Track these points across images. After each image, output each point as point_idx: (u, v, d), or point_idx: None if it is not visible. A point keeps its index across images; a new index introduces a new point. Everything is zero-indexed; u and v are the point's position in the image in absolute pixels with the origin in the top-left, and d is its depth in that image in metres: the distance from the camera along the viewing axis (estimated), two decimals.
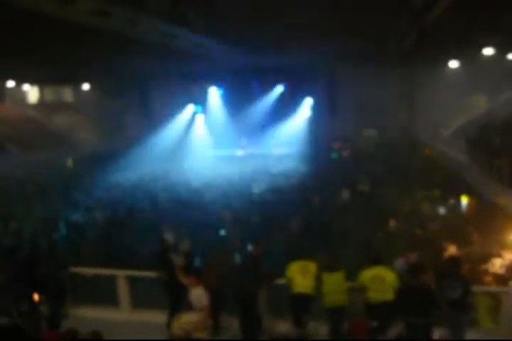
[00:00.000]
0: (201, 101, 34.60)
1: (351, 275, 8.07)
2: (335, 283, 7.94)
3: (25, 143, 29.24)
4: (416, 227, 12.66)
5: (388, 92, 28.47)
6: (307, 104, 32.65)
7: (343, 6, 15.06)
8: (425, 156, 24.86)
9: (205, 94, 34.66)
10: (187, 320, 7.29)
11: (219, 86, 34.07)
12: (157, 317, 8.92)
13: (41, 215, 16.43)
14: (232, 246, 12.05)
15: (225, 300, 8.50)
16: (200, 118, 34.69)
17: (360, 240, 12.36)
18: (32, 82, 33.88)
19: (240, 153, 31.99)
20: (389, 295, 7.60)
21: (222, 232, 13.83)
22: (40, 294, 9.24)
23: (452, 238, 10.59)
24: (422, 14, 15.43)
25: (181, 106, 34.27)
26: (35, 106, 35.61)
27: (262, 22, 16.75)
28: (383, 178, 19.67)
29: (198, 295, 7.41)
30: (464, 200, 14.83)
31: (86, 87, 35.37)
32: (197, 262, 10.05)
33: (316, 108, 32.24)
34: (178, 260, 9.03)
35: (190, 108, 34.62)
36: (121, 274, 9.70)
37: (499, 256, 9.89)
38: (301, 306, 8.11)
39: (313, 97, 32.28)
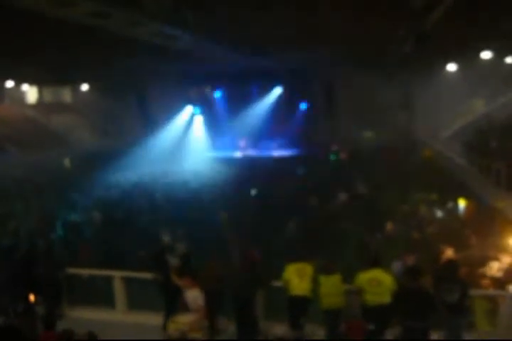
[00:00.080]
0: (200, 102, 34.63)
1: (348, 277, 8.07)
2: (332, 286, 7.93)
3: (24, 143, 29.21)
4: (413, 230, 12.67)
5: (387, 95, 28.47)
6: (304, 106, 32.69)
7: (342, 9, 15.09)
8: (423, 159, 24.87)
9: (203, 95, 34.67)
10: (183, 320, 7.29)
11: (217, 87, 34.08)
12: (153, 318, 8.90)
13: (39, 215, 16.40)
14: (230, 248, 12.04)
15: (222, 301, 8.49)
16: (198, 119, 34.71)
17: (357, 242, 12.36)
18: (31, 83, 33.91)
19: (238, 154, 31.99)
20: (386, 298, 7.60)
21: (221, 233, 13.81)
22: (36, 294, 9.22)
23: (450, 241, 10.57)
24: (422, 17, 15.46)
25: (180, 107, 34.25)
26: (34, 107, 35.58)
27: (261, 24, 16.77)
28: (381, 181, 19.67)
29: (193, 296, 7.41)
30: (462, 203, 14.82)
31: (85, 87, 35.32)
32: (194, 263, 10.04)
33: (314, 110, 32.26)
34: (173, 262, 9.03)
35: (188, 109, 34.63)
36: (117, 275, 9.69)
37: (497, 259, 9.87)
38: (298, 308, 8.10)
39: (312, 99, 32.28)
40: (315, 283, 8.02)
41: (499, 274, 9.39)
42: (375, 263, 7.98)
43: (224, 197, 18.09)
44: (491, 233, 11.73)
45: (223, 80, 31.71)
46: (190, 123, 34.50)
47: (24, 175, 23.56)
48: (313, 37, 18.52)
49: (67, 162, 29.53)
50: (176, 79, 31.32)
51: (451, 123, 27.62)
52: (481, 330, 8.23)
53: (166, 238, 12.25)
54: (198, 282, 7.65)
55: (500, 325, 8.04)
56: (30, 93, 36.03)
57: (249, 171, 23.74)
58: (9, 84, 31.45)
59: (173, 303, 8.54)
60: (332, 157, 28.80)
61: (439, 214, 14.68)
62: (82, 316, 9.34)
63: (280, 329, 8.28)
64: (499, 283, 9.09)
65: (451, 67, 27.18)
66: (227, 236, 13.41)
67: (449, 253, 9.73)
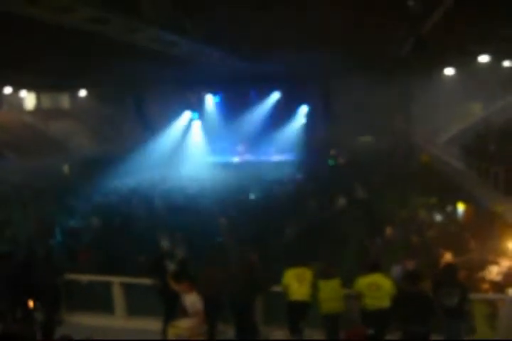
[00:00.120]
0: (198, 107, 34.66)
1: (347, 282, 8.06)
2: (331, 291, 7.92)
3: (23, 149, 29.20)
4: (413, 234, 12.66)
5: (385, 99, 28.52)
6: (303, 111, 32.70)
7: (341, 13, 15.11)
8: (422, 163, 24.89)
9: (201, 100, 34.73)
10: (182, 326, 7.26)
11: (215, 93, 34.15)
12: (152, 323, 8.86)
13: (38, 221, 16.38)
14: (228, 253, 12.02)
15: (221, 307, 8.46)
16: (196, 124, 34.73)
17: (356, 247, 12.35)
18: (29, 89, 33.88)
19: (236, 159, 31.98)
20: (385, 303, 7.59)
21: (219, 239, 13.80)
22: (35, 300, 9.19)
23: (449, 245, 10.59)
24: (420, 21, 15.50)
25: (178, 112, 34.28)
26: (32, 113, 35.56)
27: (261, 25, 16.78)
28: (380, 185, 19.68)
29: (191, 300, 7.38)
30: (461, 207, 14.83)
31: (83, 93, 35.35)
32: (193, 269, 10.02)
33: (312, 114, 32.28)
34: (171, 267, 9.01)
35: (186, 115, 34.66)
36: (116, 281, 9.66)
37: (496, 263, 9.88)
38: (298, 313, 8.09)
39: (310, 104, 32.32)
40: (314, 287, 8.01)
41: (498, 278, 9.39)
42: (374, 267, 7.96)
43: (222, 202, 18.08)
44: (489, 237, 11.73)
45: (221, 85, 31.78)
46: (188, 128, 34.55)
47: (23, 181, 23.54)
48: (313, 37, 18.54)
49: (65, 168, 29.54)
50: (174, 84, 31.39)
51: (449, 127, 27.67)
52: (480, 334, 8.21)
53: (165, 243, 12.23)
54: (197, 288, 7.61)
55: (500, 329, 8.01)
56: (29, 99, 36.01)
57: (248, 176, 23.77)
58: (7, 90, 31.37)
59: (172, 308, 8.50)
60: (330, 162, 28.79)
61: (438, 218, 14.69)
62: (81, 322, 9.30)
63: (279, 334, 8.27)
64: (498, 286, 9.09)
65: (449, 71, 27.27)
66: (225, 242, 13.42)
67: (448, 257, 9.74)
